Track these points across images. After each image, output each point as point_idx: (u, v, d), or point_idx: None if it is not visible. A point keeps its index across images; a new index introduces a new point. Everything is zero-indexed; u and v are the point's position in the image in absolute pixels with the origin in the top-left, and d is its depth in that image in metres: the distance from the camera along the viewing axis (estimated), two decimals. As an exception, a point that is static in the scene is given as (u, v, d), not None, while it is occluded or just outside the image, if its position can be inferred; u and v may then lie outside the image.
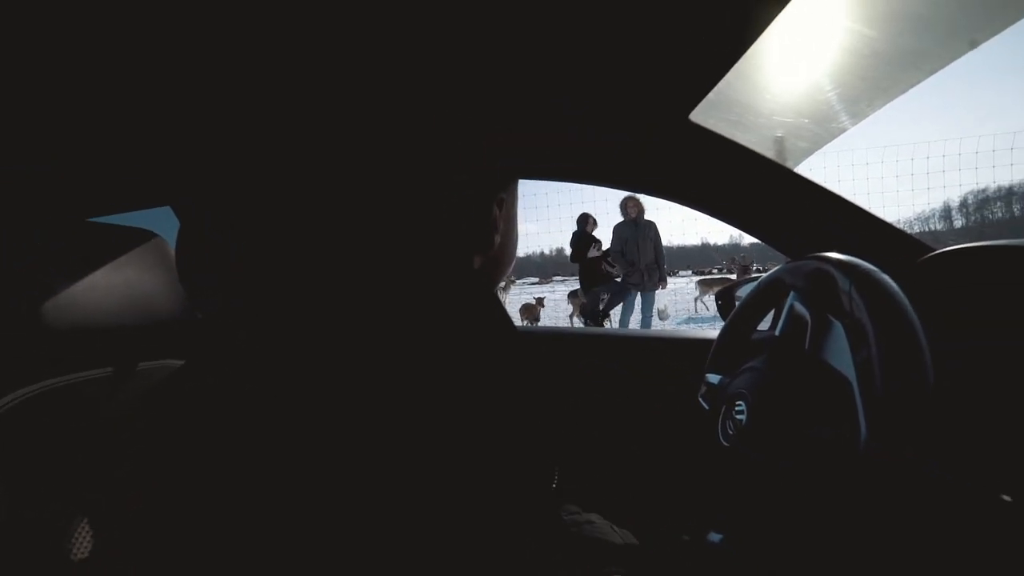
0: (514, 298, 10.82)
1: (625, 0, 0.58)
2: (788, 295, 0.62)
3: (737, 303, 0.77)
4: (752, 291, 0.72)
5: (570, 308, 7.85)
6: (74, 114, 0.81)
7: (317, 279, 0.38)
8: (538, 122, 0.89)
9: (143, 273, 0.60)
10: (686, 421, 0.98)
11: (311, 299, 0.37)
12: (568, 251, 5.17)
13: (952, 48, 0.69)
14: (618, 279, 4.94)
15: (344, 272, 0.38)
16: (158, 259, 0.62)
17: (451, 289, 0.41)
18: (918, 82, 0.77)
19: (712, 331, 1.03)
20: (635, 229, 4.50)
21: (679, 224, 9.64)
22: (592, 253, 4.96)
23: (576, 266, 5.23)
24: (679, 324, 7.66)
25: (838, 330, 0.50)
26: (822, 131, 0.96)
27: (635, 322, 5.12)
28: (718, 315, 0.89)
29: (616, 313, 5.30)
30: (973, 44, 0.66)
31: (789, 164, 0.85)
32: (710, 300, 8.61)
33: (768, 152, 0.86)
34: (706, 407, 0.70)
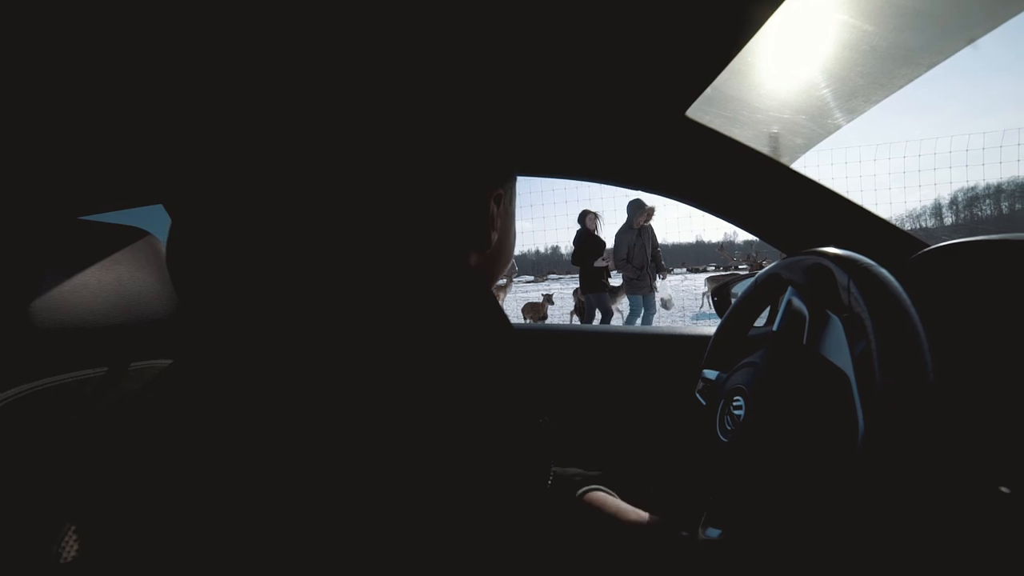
0: (508, 296, 10.83)
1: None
2: (786, 291, 0.62)
3: (733, 300, 0.77)
4: (749, 287, 0.72)
5: (573, 302, 7.69)
6: (65, 111, 0.79)
7: (311, 277, 0.37)
8: (535, 118, 0.89)
9: (135, 272, 0.59)
10: (684, 417, 0.98)
11: (304, 296, 0.37)
12: (563, 249, 5.10)
13: (949, 43, 0.69)
14: (616, 287, 4.90)
15: (337, 269, 0.38)
16: (150, 257, 0.61)
17: (446, 287, 0.41)
18: (915, 77, 0.77)
19: (709, 327, 1.03)
20: (638, 235, 4.52)
21: (675, 222, 9.72)
22: (599, 263, 4.80)
23: (572, 265, 5.17)
24: (692, 320, 7.71)
25: (836, 325, 0.50)
26: (818, 127, 0.96)
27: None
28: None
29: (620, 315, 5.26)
30: (970, 40, 0.66)
31: (785, 160, 0.85)
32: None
33: (764, 148, 0.86)
34: (704, 403, 0.71)
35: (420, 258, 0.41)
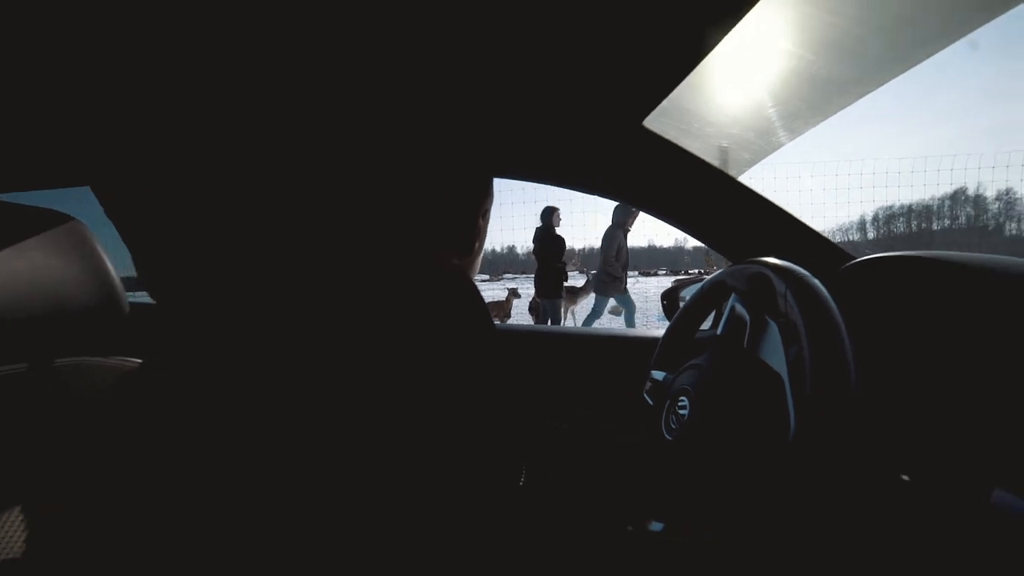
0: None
1: (589, 11, 0.59)
2: (730, 297, 0.66)
3: (682, 304, 0.81)
4: (696, 293, 0.76)
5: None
6: None
7: (303, 274, 0.37)
8: (498, 120, 0.89)
9: (51, 259, 0.53)
10: (632, 416, 1.01)
11: (292, 294, 0.36)
12: (520, 249, 5.06)
13: (879, 75, 0.77)
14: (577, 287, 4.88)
15: (324, 267, 0.38)
16: (74, 245, 0.55)
17: (438, 285, 0.41)
18: (848, 105, 0.84)
19: (658, 330, 1.07)
20: (625, 236, 4.59)
21: (657, 225, 9.95)
22: (571, 269, 4.71)
23: (530, 263, 5.00)
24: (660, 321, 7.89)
25: (773, 330, 0.54)
26: (763, 144, 1.03)
27: (601, 322, 5.18)
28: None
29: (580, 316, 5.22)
30: (897, 74, 0.73)
31: (733, 173, 0.90)
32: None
33: (715, 161, 0.90)
34: (651, 403, 0.73)
35: (408, 258, 0.42)
